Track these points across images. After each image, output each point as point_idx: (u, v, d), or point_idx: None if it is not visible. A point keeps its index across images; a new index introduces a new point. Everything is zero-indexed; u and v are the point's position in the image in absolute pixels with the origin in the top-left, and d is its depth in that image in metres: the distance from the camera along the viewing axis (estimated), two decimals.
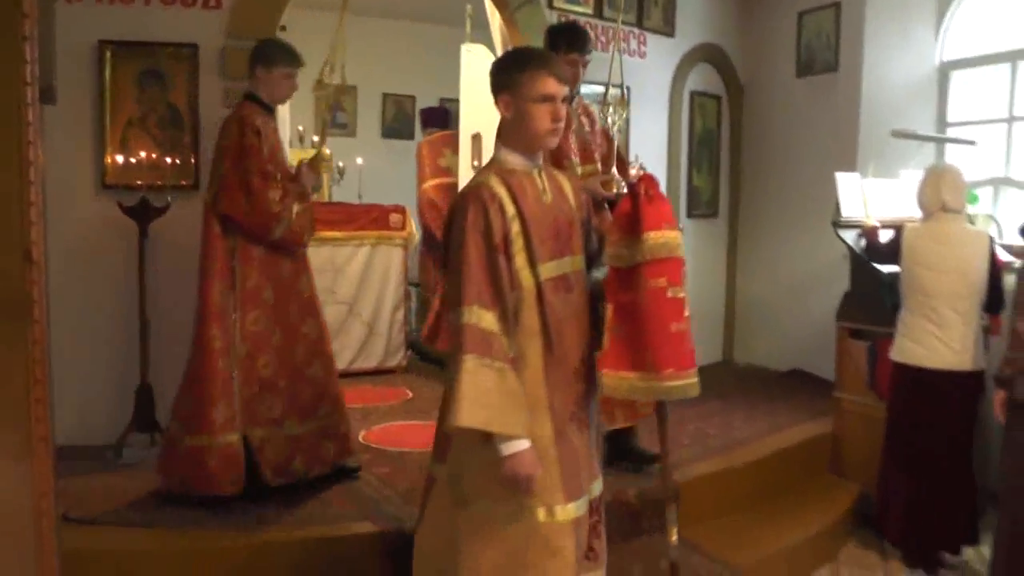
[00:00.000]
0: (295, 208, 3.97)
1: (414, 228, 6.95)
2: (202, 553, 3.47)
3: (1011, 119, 6.35)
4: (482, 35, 6.38)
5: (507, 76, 2.81)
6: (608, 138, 4.62)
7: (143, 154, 4.68)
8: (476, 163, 6.13)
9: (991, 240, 4.45)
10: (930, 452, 4.32)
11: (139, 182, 4.59)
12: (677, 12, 6.96)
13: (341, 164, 7.76)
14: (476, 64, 6.19)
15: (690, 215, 7.27)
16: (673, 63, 6.98)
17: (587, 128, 4.51)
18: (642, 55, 6.68)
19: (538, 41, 5.68)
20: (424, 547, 2.97)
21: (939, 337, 4.28)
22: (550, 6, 6.05)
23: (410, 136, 9.38)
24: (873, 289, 5.00)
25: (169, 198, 4.62)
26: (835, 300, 5.55)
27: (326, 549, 3.55)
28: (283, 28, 5.36)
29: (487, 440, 2.62)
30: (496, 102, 2.85)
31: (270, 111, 4.13)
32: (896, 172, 5.97)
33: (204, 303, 3.89)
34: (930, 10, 6.68)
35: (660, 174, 6.77)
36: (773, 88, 7.27)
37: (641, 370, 2.81)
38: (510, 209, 2.75)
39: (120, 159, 4.67)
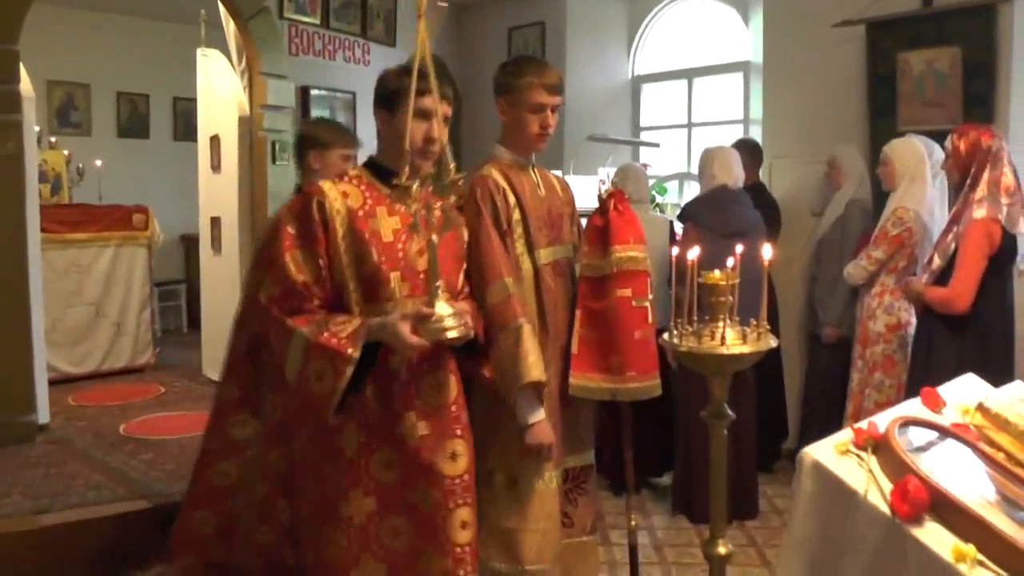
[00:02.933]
0: None
1: (157, 227, 6.94)
2: None
3: (690, 125, 7.51)
4: (217, 36, 6.50)
5: (506, 82, 3.03)
6: None
7: None
8: (214, 166, 6.41)
9: (671, 224, 5.19)
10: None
11: None
12: (398, 23, 7.37)
13: (81, 165, 7.63)
14: (212, 69, 6.38)
15: None
16: None
17: None
18: (366, 63, 7.07)
19: (272, 50, 6.10)
20: None
21: None
22: (280, 16, 6.29)
23: (146, 135, 9.24)
24: None
25: None
26: None
27: (106, 527, 3.85)
28: None
29: (506, 414, 2.83)
30: (496, 103, 3.08)
31: None
32: (595, 169, 6.85)
33: None
34: (622, 31, 7.69)
35: None
36: (488, 96, 7.90)
37: (607, 372, 3.00)
38: (511, 199, 2.93)
39: None
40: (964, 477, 1.94)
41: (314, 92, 6.50)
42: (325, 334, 2.44)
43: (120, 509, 3.96)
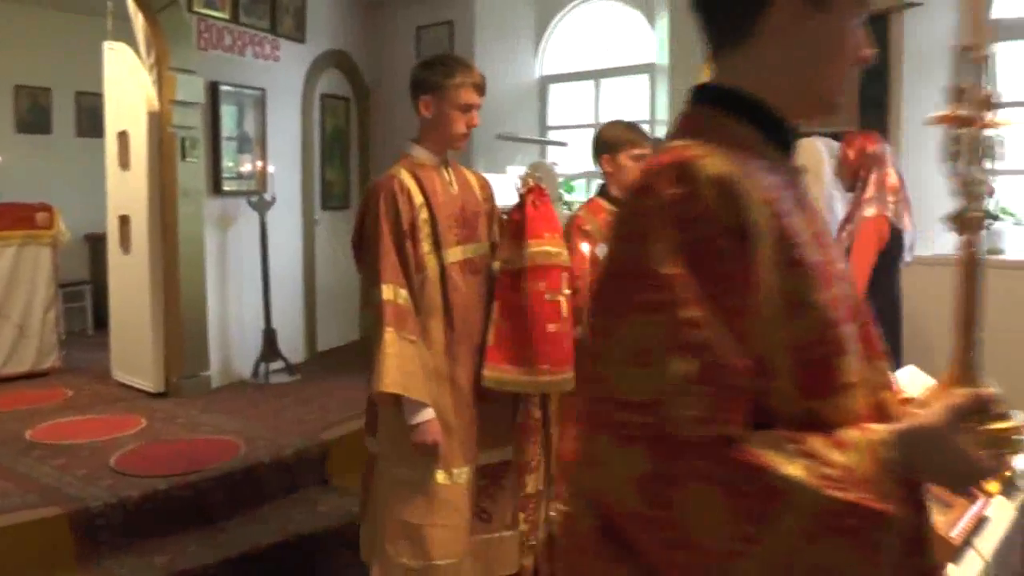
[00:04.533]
0: None
1: (62, 226, 6.81)
2: None
3: (597, 125, 7.62)
4: (124, 29, 6.38)
5: (434, 80, 3.03)
6: None
7: None
8: (122, 163, 6.30)
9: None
10: None
11: None
12: (307, 20, 7.34)
13: None
14: (119, 62, 6.26)
15: (324, 207, 7.74)
16: (305, 67, 7.39)
17: None
18: (276, 59, 7.02)
19: (182, 44, 6.02)
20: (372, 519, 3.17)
21: None
22: (190, 9, 6.19)
23: (47, 131, 8.94)
24: None
25: None
26: None
27: (20, 533, 3.76)
28: None
29: (398, 409, 2.89)
30: (416, 100, 3.07)
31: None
32: (503, 168, 6.93)
33: None
34: (530, 31, 7.79)
35: (295, 171, 7.30)
36: (395, 92, 7.83)
37: (521, 365, 3.05)
38: (418, 198, 2.96)
39: None
40: None
41: (223, 88, 6.42)
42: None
43: (33, 516, 3.88)
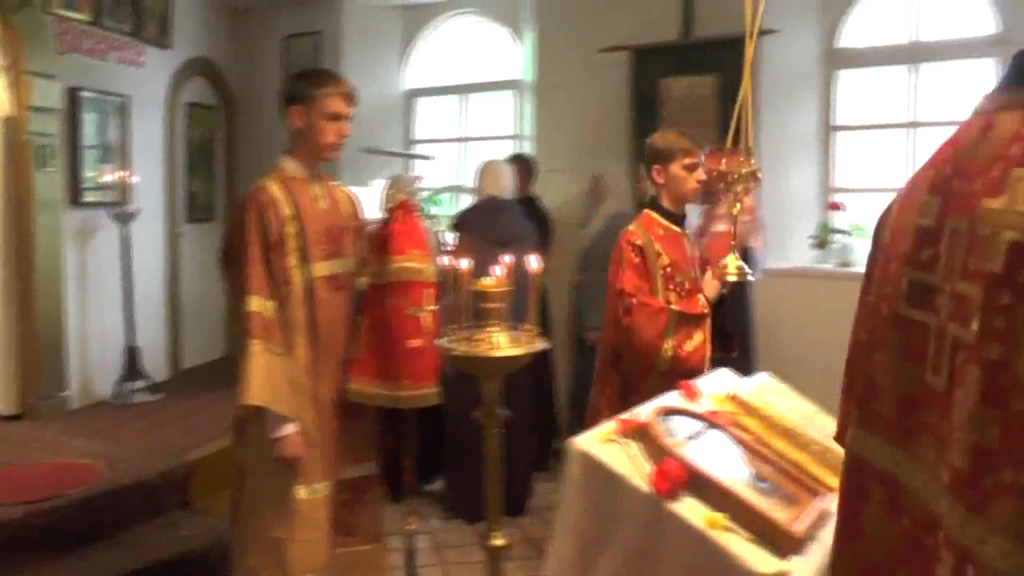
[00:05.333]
0: None
1: None
2: None
3: (465, 139, 7.71)
4: None
5: (302, 91, 3.01)
6: None
7: None
8: None
9: (436, 235, 5.34)
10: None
11: None
12: (173, 26, 7.18)
13: None
14: None
15: (189, 219, 7.56)
16: (170, 74, 7.23)
17: None
18: (140, 65, 6.86)
19: (39, 47, 5.79)
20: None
21: None
22: (46, 10, 5.94)
23: None
24: None
25: None
26: None
27: None
28: None
29: (262, 422, 2.87)
30: (286, 112, 3.04)
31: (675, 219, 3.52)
32: (368, 182, 6.90)
33: None
34: (397, 45, 7.81)
35: (159, 181, 7.11)
36: (263, 102, 7.71)
37: (383, 379, 3.08)
38: (286, 211, 2.96)
39: None
40: (721, 459, 2.18)
41: (84, 94, 6.21)
42: None
43: None
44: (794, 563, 1.89)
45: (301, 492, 2.99)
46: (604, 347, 3.50)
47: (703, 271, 3.54)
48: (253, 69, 7.93)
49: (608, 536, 2.06)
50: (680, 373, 3.18)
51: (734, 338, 3.56)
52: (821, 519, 2.09)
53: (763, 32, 5.47)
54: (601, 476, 2.07)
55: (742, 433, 2.36)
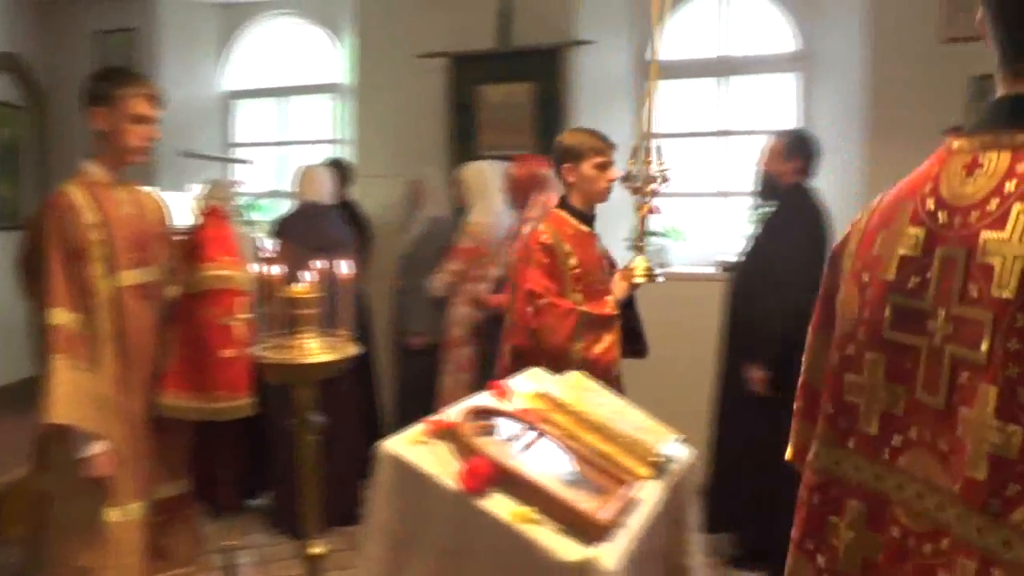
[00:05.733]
0: None
1: None
2: None
3: (284, 143, 7.56)
4: None
5: (104, 92, 2.87)
6: None
7: None
8: None
9: (254, 241, 5.22)
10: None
11: None
12: None
13: None
14: None
15: None
16: None
17: None
18: None
19: None
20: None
21: None
22: None
23: None
24: None
25: None
26: None
27: None
28: None
29: (67, 442, 2.69)
30: (88, 113, 2.88)
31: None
32: (185, 186, 6.68)
33: None
34: (215, 45, 7.58)
35: None
36: (76, 101, 7.40)
37: (196, 392, 2.95)
38: (89, 217, 2.80)
39: None
40: (532, 455, 2.22)
41: None
42: None
43: None
44: (600, 549, 1.94)
45: (112, 515, 2.88)
46: (505, 349, 3.48)
47: (611, 272, 3.57)
48: (63, 66, 7.50)
49: (419, 536, 2.06)
50: (590, 375, 3.20)
51: (643, 339, 3.61)
52: (628, 507, 2.15)
53: (579, 43, 5.68)
54: (411, 477, 2.07)
55: (553, 429, 2.40)
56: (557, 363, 3.19)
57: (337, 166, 5.63)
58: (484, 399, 2.50)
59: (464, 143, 5.87)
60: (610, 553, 1.96)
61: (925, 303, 1.23)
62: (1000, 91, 1.30)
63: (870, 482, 1.31)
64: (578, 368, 3.14)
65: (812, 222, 4.21)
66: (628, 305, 3.43)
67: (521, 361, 3.30)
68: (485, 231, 4.80)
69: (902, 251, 1.27)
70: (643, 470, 2.41)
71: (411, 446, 2.13)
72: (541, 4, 5.77)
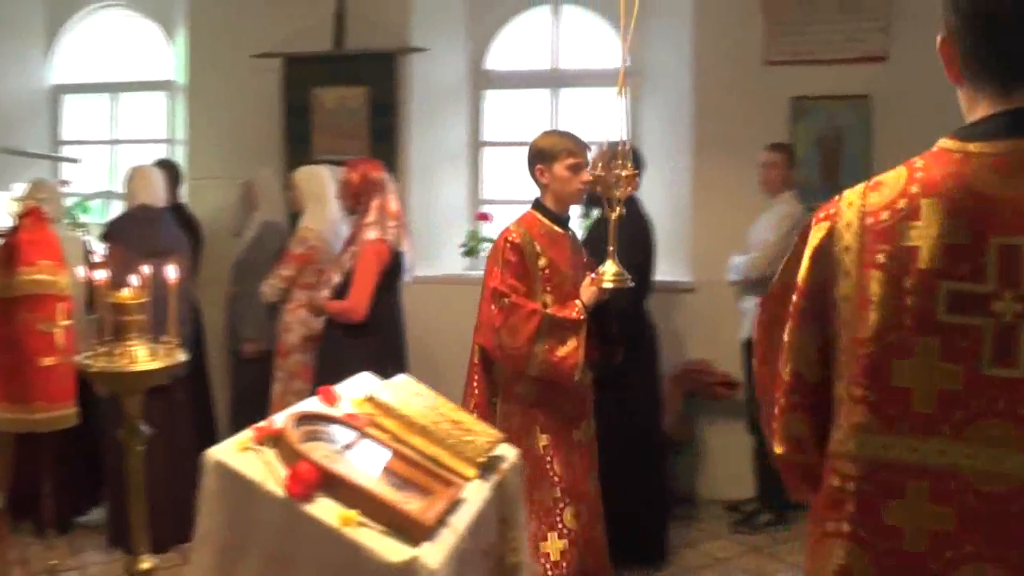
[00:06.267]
0: None
1: None
2: None
3: (115, 142, 7.31)
4: None
5: None
6: None
7: None
8: None
9: (84, 244, 5.03)
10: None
11: None
12: None
13: None
14: None
15: None
16: None
17: None
18: None
19: None
20: None
21: None
22: None
23: None
24: None
25: None
26: None
27: None
28: None
29: None
30: None
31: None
32: (7, 185, 6.38)
33: None
34: (41, 36, 7.25)
35: None
36: None
37: (12, 402, 2.85)
38: None
39: None
40: (361, 459, 2.27)
41: None
42: None
43: None
44: (424, 549, 2.01)
45: None
46: (473, 347, 3.50)
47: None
48: None
49: (246, 544, 2.08)
50: (552, 379, 3.26)
51: (618, 344, 3.59)
52: (452, 507, 2.23)
53: (413, 50, 5.75)
54: (237, 484, 2.08)
55: (380, 433, 2.46)
56: (518, 363, 3.26)
57: (166, 167, 5.51)
58: (311, 405, 2.54)
59: (299, 146, 5.85)
60: (434, 552, 2.03)
61: (987, 287, 1.37)
62: (990, 109, 1.45)
63: (932, 458, 1.41)
64: (540, 370, 3.23)
65: (638, 229, 4.41)
66: (602, 310, 3.40)
67: (487, 359, 3.38)
68: (318, 237, 4.81)
69: (948, 240, 1.39)
70: (469, 471, 2.49)
71: (238, 453, 2.15)
72: (376, 8, 5.82)
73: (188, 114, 6.36)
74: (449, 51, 6.00)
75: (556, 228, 3.49)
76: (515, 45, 6.18)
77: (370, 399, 2.59)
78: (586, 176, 3.34)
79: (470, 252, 5.97)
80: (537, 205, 3.53)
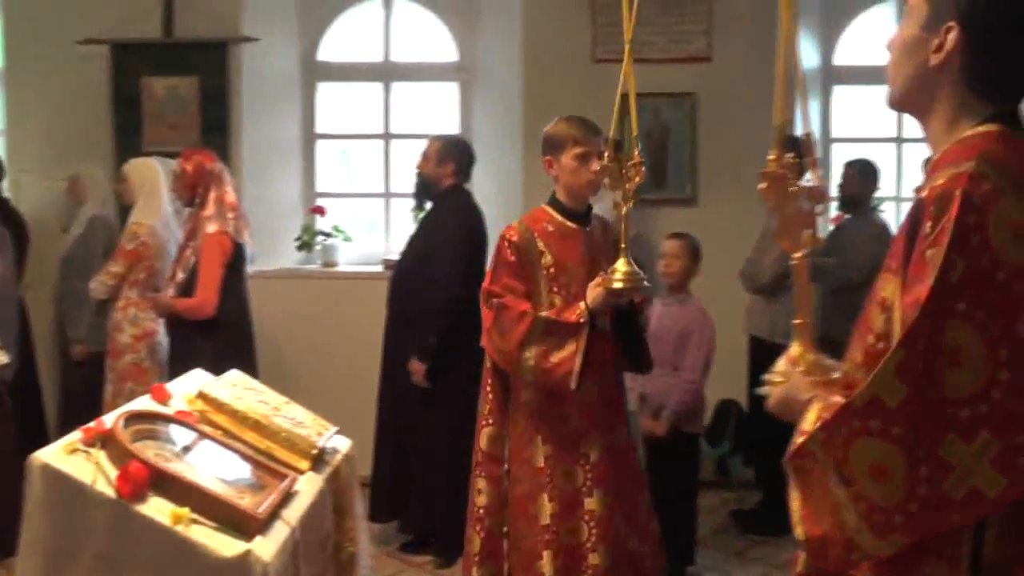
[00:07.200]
0: None
1: None
2: None
3: None
4: None
5: None
6: None
7: None
8: None
9: None
10: None
11: None
12: None
13: None
14: None
15: None
16: None
17: None
18: None
19: None
20: None
21: None
22: None
23: None
24: None
25: None
26: None
27: None
28: None
29: None
30: None
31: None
32: None
33: None
34: None
35: None
36: None
37: None
38: None
39: None
40: (194, 457, 2.30)
41: None
42: None
43: None
44: (256, 543, 2.06)
45: None
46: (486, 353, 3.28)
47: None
48: None
49: (76, 549, 2.06)
50: (546, 387, 3.06)
51: (645, 353, 3.30)
52: (285, 500, 2.29)
53: (244, 39, 5.67)
54: (65, 488, 2.07)
55: (212, 430, 2.49)
56: (511, 368, 3.10)
57: None
58: (142, 403, 2.54)
59: (128, 137, 5.67)
60: (268, 545, 2.08)
61: None
62: (979, 116, 1.44)
63: None
64: (532, 376, 3.04)
65: (467, 222, 4.53)
66: (622, 314, 3.13)
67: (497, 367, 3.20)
68: (150, 232, 4.71)
69: None
70: (302, 463, 2.55)
71: (65, 456, 2.13)
72: None
73: (6, 102, 6.07)
74: (281, 42, 5.93)
75: (569, 224, 3.22)
76: (347, 37, 6.16)
77: (201, 395, 2.62)
78: (596, 166, 3.05)
79: (305, 246, 5.95)
80: (551, 199, 3.28)
